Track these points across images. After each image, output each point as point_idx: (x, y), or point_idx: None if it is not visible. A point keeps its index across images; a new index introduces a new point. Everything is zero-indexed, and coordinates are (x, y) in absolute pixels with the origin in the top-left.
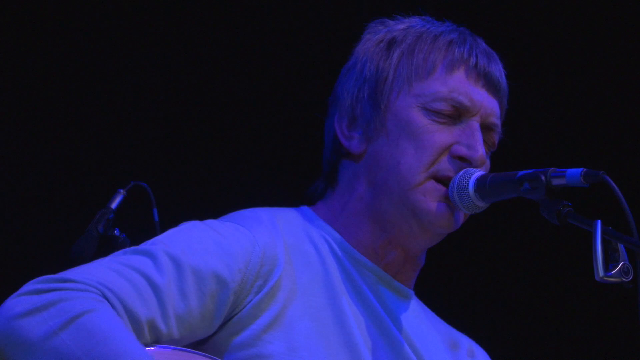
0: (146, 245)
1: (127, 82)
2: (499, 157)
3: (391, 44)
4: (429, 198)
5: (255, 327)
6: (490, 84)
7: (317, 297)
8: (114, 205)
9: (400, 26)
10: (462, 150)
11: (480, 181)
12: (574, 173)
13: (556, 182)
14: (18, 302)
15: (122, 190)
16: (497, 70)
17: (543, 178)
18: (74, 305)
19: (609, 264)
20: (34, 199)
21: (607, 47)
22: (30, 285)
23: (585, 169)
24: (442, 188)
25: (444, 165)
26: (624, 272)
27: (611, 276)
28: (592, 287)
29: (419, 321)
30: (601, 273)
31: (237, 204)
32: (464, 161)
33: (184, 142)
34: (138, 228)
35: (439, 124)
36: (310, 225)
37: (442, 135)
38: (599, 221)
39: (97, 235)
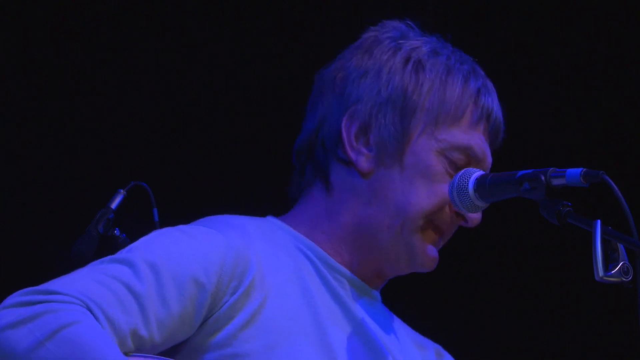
0: (122, 253)
1: (127, 82)
2: (499, 157)
3: (419, 68)
4: (427, 242)
5: (232, 327)
6: (496, 136)
7: (292, 296)
8: (114, 205)
9: (425, 47)
10: (462, 212)
11: (479, 181)
12: (574, 173)
13: (556, 182)
14: (4, 314)
15: (122, 190)
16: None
17: (543, 178)
18: (59, 317)
19: (608, 264)
20: (34, 198)
21: (607, 46)
22: (15, 298)
23: (585, 169)
24: (437, 236)
25: (445, 218)
26: (623, 272)
27: (611, 276)
28: (592, 287)
29: (389, 323)
30: (601, 273)
31: (237, 204)
32: (459, 218)
33: (184, 142)
34: (138, 228)
35: (449, 175)
36: (281, 232)
37: None
38: (599, 221)
39: (97, 235)
